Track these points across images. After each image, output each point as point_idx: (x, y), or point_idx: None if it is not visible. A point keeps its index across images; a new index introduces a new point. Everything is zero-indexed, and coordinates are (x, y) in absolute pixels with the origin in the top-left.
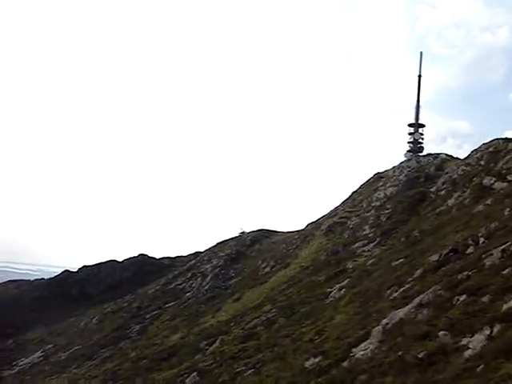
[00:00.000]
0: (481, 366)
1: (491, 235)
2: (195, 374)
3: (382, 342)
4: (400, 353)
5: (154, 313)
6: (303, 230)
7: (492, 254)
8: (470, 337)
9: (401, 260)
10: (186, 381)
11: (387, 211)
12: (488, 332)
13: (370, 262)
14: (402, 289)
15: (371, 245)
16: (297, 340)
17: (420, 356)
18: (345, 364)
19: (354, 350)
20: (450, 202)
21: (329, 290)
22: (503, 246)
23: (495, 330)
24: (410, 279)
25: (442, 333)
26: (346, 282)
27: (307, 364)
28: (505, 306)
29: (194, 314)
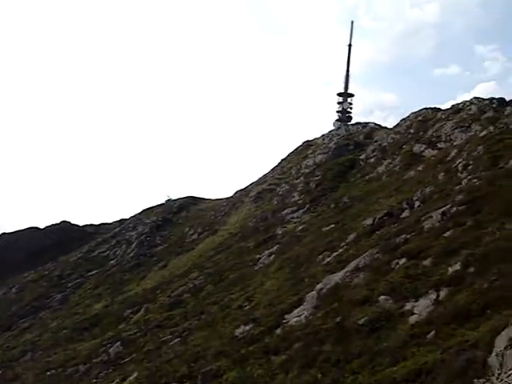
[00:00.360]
0: (431, 333)
1: (427, 199)
2: (119, 343)
3: (317, 307)
4: (338, 319)
5: (76, 281)
6: (232, 197)
7: (431, 217)
8: (415, 301)
9: (331, 226)
10: (110, 351)
11: (316, 178)
12: (434, 296)
13: (300, 228)
14: (334, 253)
15: (300, 211)
16: (225, 307)
17: (360, 322)
18: (278, 331)
19: (286, 316)
20: (380, 169)
21: (258, 256)
22: (443, 209)
23: (442, 294)
24: (343, 244)
25: (382, 297)
26: (275, 248)
27: (237, 332)
28: (450, 270)
29: (118, 283)
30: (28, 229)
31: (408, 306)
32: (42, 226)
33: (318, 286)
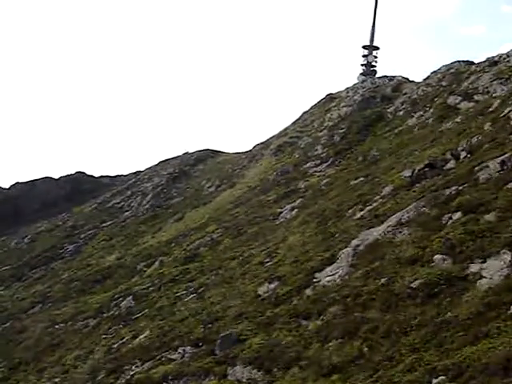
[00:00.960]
0: None
1: (475, 149)
2: (131, 297)
3: (354, 266)
4: (383, 280)
5: (90, 232)
6: (250, 150)
7: (487, 167)
8: (481, 262)
9: (360, 179)
10: (121, 305)
11: (341, 131)
12: (508, 257)
13: (324, 181)
14: (368, 207)
15: (324, 165)
16: (245, 263)
17: (414, 285)
18: (308, 292)
19: (317, 275)
20: (411, 121)
21: (279, 210)
22: (502, 158)
23: None
24: (378, 197)
25: (438, 257)
26: (297, 202)
27: (260, 291)
28: None
29: (133, 235)
30: (42, 178)
31: (473, 268)
32: (56, 176)
33: (354, 242)
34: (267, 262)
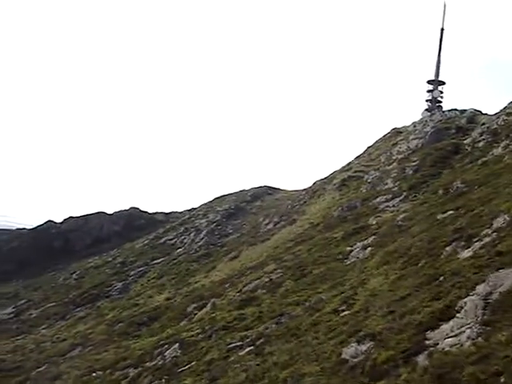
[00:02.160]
0: None
1: None
2: (177, 345)
3: (491, 324)
4: None
5: (140, 270)
6: (311, 187)
7: None
8: None
9: (450, 212)
10: (166, 354)
11: (413, 164)
12: None
13: (401, 217)
14: (478, 243)
15: (397, 199)
16: (314, 310)
17: None
18: (421, 361)
19: (430, 334)
20: (497, 151)
21: (348, 248)
22: None
23: None
24: (489, 231)
25: None
26: (370, 239)
27: (346, 353)
28: None
29: (184, 273)
30: (95, 213)
31: None
32: (110, 212)
33: (480, 289)
34: (344, 310)
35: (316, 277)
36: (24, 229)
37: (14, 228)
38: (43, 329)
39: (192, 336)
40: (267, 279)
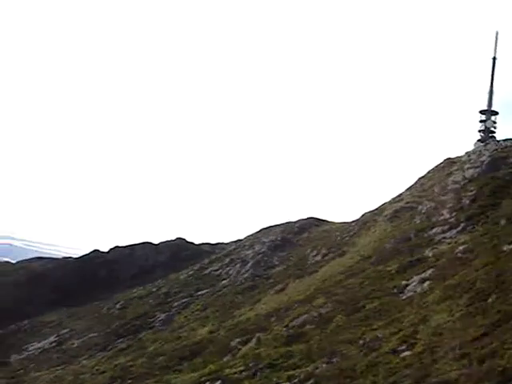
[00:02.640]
0: None
1: None
2: (219, 382)
3: None
4: None
5: (184, 301)
6: (360, 218)
7: None
8: None
9: None
10: None
11: (470, 194)
12: None
13: (461, 248)
14: None
15: (454, 231)
16: (369, 349)
17: None
18: None
19: None
20: None
21: (404, 282)
22: None
23: None
24: None
25: None
26: (428, 272)
27: None
28: None
29: (229, 305)
30: (142, 243)
31: None
32: (156, 242)
33: None
34: (404, 350)
35: (370, 312)
36: (70, 257)
37: (60, 256)
38: (84, 359)
39: (235, 373)
40: (316, 314)
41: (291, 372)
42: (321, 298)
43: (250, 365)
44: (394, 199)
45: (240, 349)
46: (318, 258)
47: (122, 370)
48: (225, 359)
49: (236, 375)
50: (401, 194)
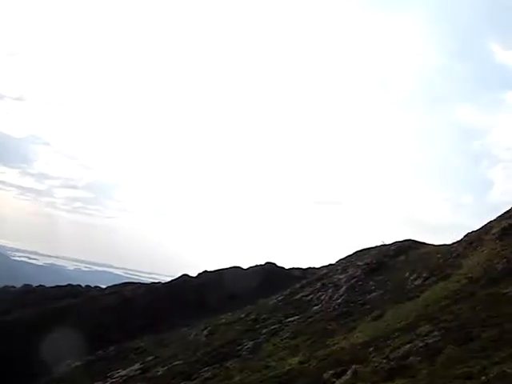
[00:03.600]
0: None
1: None
2: None
3: None
4: None
5: (273, 328)
6: (464, 238)
7: None
8: None
9: None
10: None
11: None
12: None
13: None
14: None
15: None
16: None
17: None
18: None
19: None
20: None
21: None
22: None
23: None
24: None
25: None
26: None
27: None
28: None
29: (321, 333)
30: (231, 268)
31: None
32: (245, 267)
33: None
34: None
35: (487, 342)
36: (159, 282)
37: (149, 282)
38: None
39: None
40: (421, 344)
41: None
42: (426, 326)
43: None
44: (501, 216)
45: (334, 382)
46: (419, 281)
47: None
48: None
49: None
50: (509, 211)
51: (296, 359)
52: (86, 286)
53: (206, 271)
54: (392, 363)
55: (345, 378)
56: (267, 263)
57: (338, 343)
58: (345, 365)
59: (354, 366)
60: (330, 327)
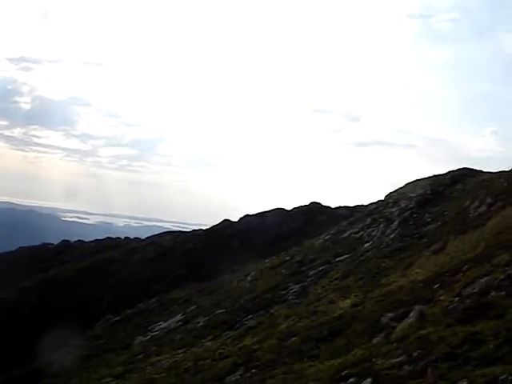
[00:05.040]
0: None
1: None
2: (369, 380)
3: None
4: None
5: (320, 269)
6: None
7: None
8: None
9: None
10: None
11: None
12: None
13: None
14: None
15: None
16: None
17: None
18: None
19: None
20: None
21: None
22: None
23: None
24: None
25: None
26: None
27: None
28: None
29: (374, 272)
30: (274, 210)
31: None
32: (288, 208)
33: None
34: None
35: None
36: (200, 230)
37: (189, 229)
38: (208, 341)
39: (392, 367)
40: (502, 276)
41: (487, 369)
42: (503, 255)
43: (413, 353)
44: None
45: (395, 327)
46: (483, 208)
47: (246, 354)
48: (374, 341)
49: (394, 370)
50: None
51: (348, 302)
52: (126, 237)
53: (247, 215)
54: (467, 301)
55: (407, 321)
56: (312, 203)
57: (394, 282)
58: (406, 306)
59: (417, 307)
60: (384, 265)
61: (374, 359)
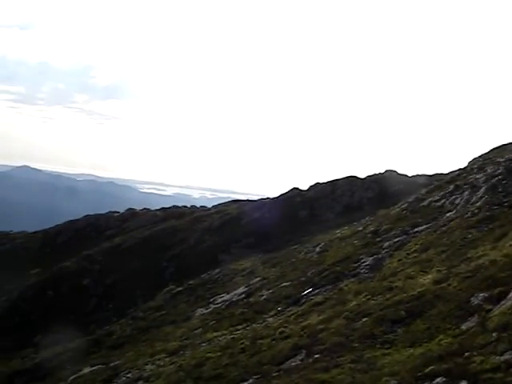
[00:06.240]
0: None
1: None
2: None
3: None
4: None
5: (396, 240)
6: None
7: None
8: None
9: None
10: None
11: None
12: None
13: None
14: None
15: None
16: None
17: None
18: None
19: None
20: None
21: None
22: None
23: None
24: None
25: None
26: None
27: None
28: None
29: (459, 244)
30: (345, 178)
31: None
32: (362, 176)
33: None
34: None
35: None
36: (267, 198)
37: (256, 198)
38: (270, 316)
39: (497, 368)
40: None
41: None
42: None
43: None
44: None
45: (489, 310)
46: None
47: (309, 335)
48: (464, 327)
49: (499, 374)
50: None
51: (429, 277)
52: (192, 206)
53: (317, 183)
54: None
55: (508, 303)
56: (387, 171)
57: (484, 255)
58: (503, 284)
59: None
60: (470, 236)
61: (467, 353)
